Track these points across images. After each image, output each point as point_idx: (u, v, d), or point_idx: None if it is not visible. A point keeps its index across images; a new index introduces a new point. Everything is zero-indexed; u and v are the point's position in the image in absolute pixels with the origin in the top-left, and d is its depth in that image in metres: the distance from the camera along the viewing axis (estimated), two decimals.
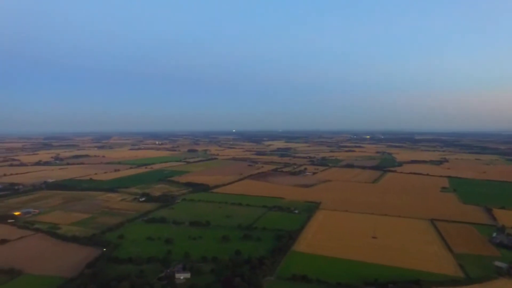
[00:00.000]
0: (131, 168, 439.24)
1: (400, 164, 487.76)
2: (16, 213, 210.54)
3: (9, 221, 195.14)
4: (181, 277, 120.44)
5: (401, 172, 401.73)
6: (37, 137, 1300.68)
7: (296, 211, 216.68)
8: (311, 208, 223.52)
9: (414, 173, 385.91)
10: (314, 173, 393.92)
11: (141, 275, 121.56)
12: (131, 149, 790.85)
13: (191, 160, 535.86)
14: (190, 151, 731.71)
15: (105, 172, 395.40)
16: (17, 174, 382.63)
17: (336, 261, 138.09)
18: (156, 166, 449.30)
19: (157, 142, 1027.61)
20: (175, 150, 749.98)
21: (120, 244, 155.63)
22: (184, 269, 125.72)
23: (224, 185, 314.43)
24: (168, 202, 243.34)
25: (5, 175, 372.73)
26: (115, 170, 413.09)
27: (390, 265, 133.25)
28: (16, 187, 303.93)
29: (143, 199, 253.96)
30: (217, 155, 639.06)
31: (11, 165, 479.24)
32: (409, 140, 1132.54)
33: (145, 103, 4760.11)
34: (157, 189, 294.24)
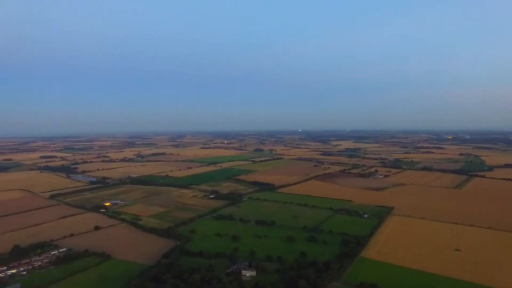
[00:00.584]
0: (201, 166, 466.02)
1: (491, 168, 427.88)
2: (107, 204, 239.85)
3: (101, 210, 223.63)
4: (247, 274, 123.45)
5: (491, 178, 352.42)
6: (123, 136, 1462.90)
7: (366, 216, 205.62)
8: (382, 213, 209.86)
9: (509, 179, 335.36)
10: (386, 176, 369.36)
11: (210, 269, 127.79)
12: (202, 148, 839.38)
13: (257, 159, 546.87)
14: (256, 150, 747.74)
15: (179, 170, 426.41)
16: (107, 169, 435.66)
17: (412, 272, 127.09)
18: (225, 165, 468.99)
19: (225, 142, 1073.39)
20: (242, 149, 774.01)
21: (191, 238, 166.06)
22: (250, 267, 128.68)
23: (289, 185, 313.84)
24: (235, 200, 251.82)
25: (98, 169, 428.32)
26: (188, 168, 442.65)
27: (480, 283, 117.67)
28: (106, 181, 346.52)
29: (212, 196, 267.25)
30: (283, 154, 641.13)
31: (103, 161, 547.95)
32: (502, 140, 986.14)
33: (215, 104, 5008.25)
34: (225, 187, 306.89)
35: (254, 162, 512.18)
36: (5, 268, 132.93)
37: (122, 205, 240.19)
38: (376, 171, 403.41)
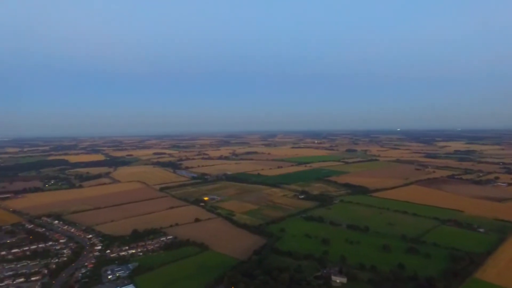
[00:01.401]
0: (292, 165, 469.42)
1: None
2: (205, 198, 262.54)
3: (201, 204, 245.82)
4: (337, 281, 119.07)
5: None
6: (220, 135, 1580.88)
7: (481, 230, 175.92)
8: (504, 229, 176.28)
9: None
10: (510, 184, 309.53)
11: (299, 269, 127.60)
12: (292, 147, 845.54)
13: (350, 160, 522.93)
14: (348, 151, 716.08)
15: (270, 168, 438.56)
16: (206, 166, 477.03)
17: None
18: (315, 165, 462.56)
19: (316, 141, 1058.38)
20: (333, 149, 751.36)
21: (281, 237, 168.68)
22: (340, 273, 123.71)
23: (385, 189, 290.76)
24: (326, 201, 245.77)
25: (198, 166, 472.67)
26: (278, 167, 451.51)
27: None
28: (205, 177, 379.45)
29: (302, 196, 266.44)
30: (378, 156, 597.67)
31: (203, 158, 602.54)
32: None
33: (306, 103, 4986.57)
34: (315, 188, 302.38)
35: (346, 163, 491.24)
36: (127, 247, 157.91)
37: (218, 200, 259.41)
38: (497, 178, 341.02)
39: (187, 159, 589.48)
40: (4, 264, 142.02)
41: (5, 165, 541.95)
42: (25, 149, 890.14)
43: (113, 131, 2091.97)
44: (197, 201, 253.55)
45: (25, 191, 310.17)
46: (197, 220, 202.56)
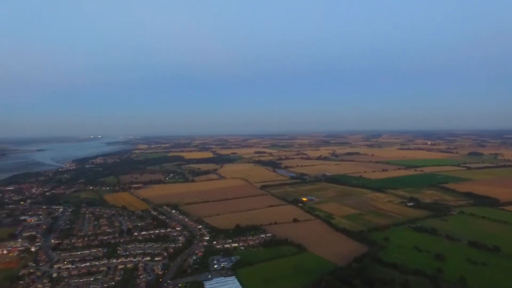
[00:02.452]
0: (399, 169, 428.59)
1: None
2: (304, 199, 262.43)
3: (299, 204, 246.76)
4: None
5: None
6: (319, 135, 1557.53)
7: None
8: None
9: None
10: None
11: (406, 284, 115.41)
12: (400, 149, 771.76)
13: (473, 165, 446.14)
14: (472, 154, 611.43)
15: (373, 171, 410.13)
16: (305, 166, 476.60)
17: None
18: (427, 169, 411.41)
19: (429, 143, 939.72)
20: (451, 152, 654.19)
21: (385, 246, 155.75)
22: None
23: None
24: (441, 212, 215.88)
25: (297, 166, 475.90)
26: (383, 170, 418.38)
27: None
28: (304, 177, 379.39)
29: (411, 204, 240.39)
30: None
31: (301, 158, 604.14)
32: None
33: (414, 99, 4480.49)
34: (427, 195, 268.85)
35: (469, 168, 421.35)
36: (230, 241, 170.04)
37: (316, 202, 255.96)
38: None
39: (286, 158, 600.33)
40: (136, 243, 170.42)
41: (138, 159, 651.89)
42: (152, 146, 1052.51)
43: (221, 130, 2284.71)
44: (295, 201, 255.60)
45: (151, 182, 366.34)
46: (295, 220, 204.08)
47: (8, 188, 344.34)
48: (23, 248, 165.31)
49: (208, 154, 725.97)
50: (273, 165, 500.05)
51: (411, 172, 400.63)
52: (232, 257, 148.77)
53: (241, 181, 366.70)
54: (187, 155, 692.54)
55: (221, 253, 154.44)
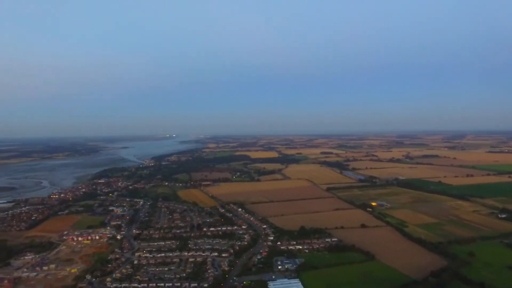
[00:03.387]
0: (488, 174, 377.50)
1: None
2: (373, 204, 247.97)
3: (368, 209, 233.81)
4: None
5: None
6: (391, 135, 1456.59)
7: None
8: None
9: None
10: None
11: None
12: (489, 152, 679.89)
13: None
14: None
15: (455, 176, 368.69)
16: (374, 168, 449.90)
17: None
18: None
19: None
20: None
21: (469, 262, 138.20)
22: None
23: None
24: None
25: (366, 168, 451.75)
26: (467, 175, 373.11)
27: None
28: (373, 180, 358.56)
29: (504, 215, 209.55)
30: None
31: (371, 160, 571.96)
32: None
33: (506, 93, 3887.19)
34: None
35: None
36: (294, 242, 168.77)
37: (387, 207, 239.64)
38: None
39: (354, 159, 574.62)
40: (205, 239, 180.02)
41: (207, 158, 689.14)
42: (220, 145, 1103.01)
43: (286, 130, 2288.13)
44: (363, 206, 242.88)
45: (219, 180, 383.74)
46: (363, 226, 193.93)
47: (99, 181, 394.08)
48: (110, 235, 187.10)
49: (273, 154, 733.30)
50: (340, 166, 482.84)
51: (504, 179, 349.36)
52: (296, 259, 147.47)
53: (306, 182, 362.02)
54: (253, 155, 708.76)
55: (285, 254, 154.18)
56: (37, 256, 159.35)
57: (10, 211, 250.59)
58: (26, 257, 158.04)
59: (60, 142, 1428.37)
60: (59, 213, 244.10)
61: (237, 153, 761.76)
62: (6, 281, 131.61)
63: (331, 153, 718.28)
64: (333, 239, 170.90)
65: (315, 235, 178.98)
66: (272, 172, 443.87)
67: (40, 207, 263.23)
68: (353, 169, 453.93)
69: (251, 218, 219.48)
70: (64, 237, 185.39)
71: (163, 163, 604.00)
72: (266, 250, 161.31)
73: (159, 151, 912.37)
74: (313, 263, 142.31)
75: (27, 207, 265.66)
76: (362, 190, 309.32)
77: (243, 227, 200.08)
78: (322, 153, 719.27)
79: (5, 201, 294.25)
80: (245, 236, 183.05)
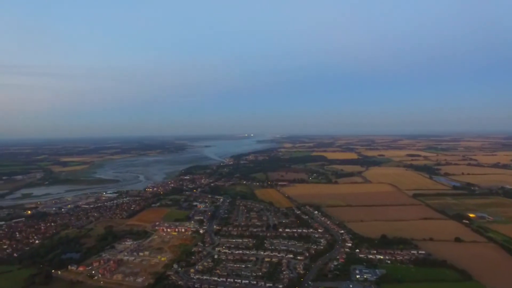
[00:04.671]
0: None
1: None
2: (471, 215, 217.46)
3: (464, 221, 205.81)
4: None
5: None
6: (496, 136, 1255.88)
7: None
8: None
9: None
10: None
11: None
12: None
13: None
14: None
15: None
16: (473, 174, 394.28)
17: None
18: None
19: None
20: None
21: None
22: None
23: None
24: None
25: (462, 173, 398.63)
26: None
27: None
28: (472, 188, 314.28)
29: None
30: None
31: (469, 164, 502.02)
32: None
33: None
34: None
35: None
36: (375, 251, 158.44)
37: (490, 221, 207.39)
38: None
39: (447, 163, 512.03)
40: (281, 239, 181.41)
41: (283, 157, 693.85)
42: (297, 145, 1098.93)
43: (366, 130, 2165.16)
44: (458, 216, 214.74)
45: (295, 181, 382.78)
46: (458, 239, 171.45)
47: (185, 178, 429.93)
48: (194, 229, 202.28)
49: (352, 155, 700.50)
50: (429, 170, 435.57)
51: None
52: (377, 270, 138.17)
53: (389, 186, 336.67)
54: (330, 155, 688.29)
55: (364, 263, 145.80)
56: (135, 242, 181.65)
57: (115, 201, 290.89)
58: (126, 243, 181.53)
59: (152, 141, 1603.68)
60: (152, 205, 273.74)
61: (314, 154, 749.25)
62: (112, 262, 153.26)
63: (419, 155, 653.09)
64: (420, 252, 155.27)
65: (399, 245, 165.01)
66: (350, 174, 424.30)
67: (138, 198, 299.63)
68: (446, 174, 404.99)
69: (328, 222, 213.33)
70: (156, 228, 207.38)
71: (241, 162, 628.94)
72: (344, 256, 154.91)
73: (238, 150, 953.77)
74: (396, 276, 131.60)
75: (127, 198, 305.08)
76: (456, 198, 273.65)
77: (319, 230, 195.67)
78: (408, 155, 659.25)
79: (111, 192, 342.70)
80: (321, 240, 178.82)
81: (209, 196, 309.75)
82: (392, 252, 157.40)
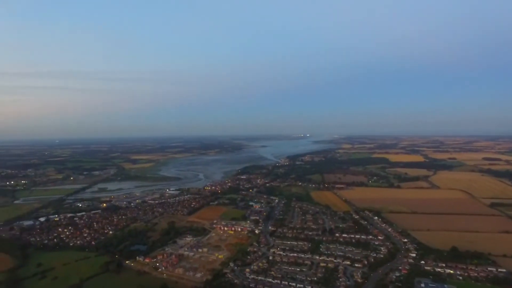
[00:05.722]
0: None
1: None
2: None
3: None
4: None
5: None
6: None
7: None
8: None
9: None
10: None
11: None
12: None
13: None
14: None
15: None
16: None
17: None
18: None
19: None
20: None
21: None
22: None
23: None
24: None
25: None
26: None
27: None
28: None
29: None
30: None
31: None
32: None
33: None
34: None
35: None
36: (443, 265, 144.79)
37: None
38: None
39: None
40: (337, 245, 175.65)
41: (341, 159, 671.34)
42: (355, 146, 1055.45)
43: (434, 130, 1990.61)
44: None
45: (353, 184, 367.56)
46: None
47: (242, 177, 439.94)
48: (250, 229, 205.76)
49: (417, 158, 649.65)
50: None
51: None
52: (446, 285, 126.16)
53: (461, 193, 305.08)
54: (393, 157, 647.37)
55: (430, 277, 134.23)
56: (194, 238, 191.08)
57: (177, 198, 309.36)
58: (187, 238, 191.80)
59: (211, 140, 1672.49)
60: (211, 203, 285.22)
61: (374, 155, 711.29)
62: (173, 256, 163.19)
63: (499, 159, 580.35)
64: (499, 270, 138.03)
65: (473, 260, 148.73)
66: (415, 178, 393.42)
67: (197, 196, 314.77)
68: None
69: (389, 229, 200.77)
70: (214, 226, 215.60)
71: (297, 162, 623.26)
72: (407, 268, 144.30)
73: (293, 151, 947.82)
74: None
75: (188, 195, 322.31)
76: None
77: (379, 237, 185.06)
78: (484, 159, 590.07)
79: (174, 189, 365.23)
80: (382, 248, 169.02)
81: (265, 196, 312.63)
82: (464, 267, 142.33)
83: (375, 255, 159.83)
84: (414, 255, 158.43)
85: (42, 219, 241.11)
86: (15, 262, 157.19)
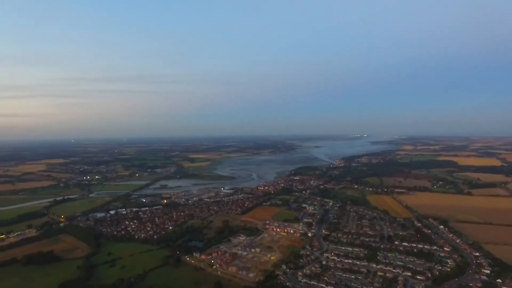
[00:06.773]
0: None
1: None
2: None
3: None
4: None
5: None
6: None
7: None
8: None
9: None
10: None
11: None
12: None
13: None
14: None
15: None
16: None
17: None
18: None
19: None
20: None
21: None
22: None
23: None
24: None
25: None
26: None
27: None
28: None
29: None
30: None
31: None
32: None
33: None
34: None
35: None
36: None
37: None
38: None
39: None
40: (397, 253, 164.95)
41: (402, 161, 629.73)
42: (418, 147, 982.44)
43: None
44: None
45: (415, 188, 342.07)
46: None
47: (295, 178, 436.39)
48: (303, 231, 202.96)
49: (492, 162, 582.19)
50: None
51: None
52: None
53: None
54: (462, 161, 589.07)
55: None
56: (247, 238, 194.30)
57: (231, 197, 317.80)
58: (240, 238, 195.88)
59: (265, 140, 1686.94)
60: (263, 203, 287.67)
61: (440, 158, 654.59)
62: (227, 254, 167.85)
63: None
64: None
65: None
66: (490, 185, 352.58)
67: (250, 196, 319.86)
68: None
69: (457, 240, 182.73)
70: (266, 226, 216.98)
71: (353, 164, 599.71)
72: (479, 285, 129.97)
73: (349, 151, 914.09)
74: None
75: (242, 195, 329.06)
76: None
77: (446, 249, 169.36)
78: None
79: (228, 188, 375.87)
80: (448, 260, 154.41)
81: (318, 198, 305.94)
82: None
83: (440, 268, 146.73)
84: (488, 271, 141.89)
85: (112, 212, 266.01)
86: (90, 250, 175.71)
